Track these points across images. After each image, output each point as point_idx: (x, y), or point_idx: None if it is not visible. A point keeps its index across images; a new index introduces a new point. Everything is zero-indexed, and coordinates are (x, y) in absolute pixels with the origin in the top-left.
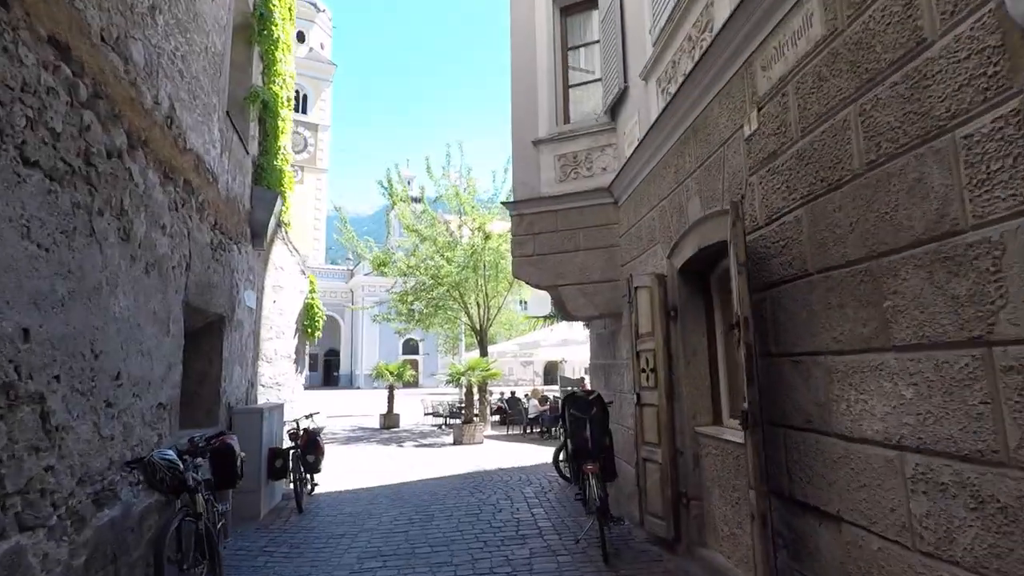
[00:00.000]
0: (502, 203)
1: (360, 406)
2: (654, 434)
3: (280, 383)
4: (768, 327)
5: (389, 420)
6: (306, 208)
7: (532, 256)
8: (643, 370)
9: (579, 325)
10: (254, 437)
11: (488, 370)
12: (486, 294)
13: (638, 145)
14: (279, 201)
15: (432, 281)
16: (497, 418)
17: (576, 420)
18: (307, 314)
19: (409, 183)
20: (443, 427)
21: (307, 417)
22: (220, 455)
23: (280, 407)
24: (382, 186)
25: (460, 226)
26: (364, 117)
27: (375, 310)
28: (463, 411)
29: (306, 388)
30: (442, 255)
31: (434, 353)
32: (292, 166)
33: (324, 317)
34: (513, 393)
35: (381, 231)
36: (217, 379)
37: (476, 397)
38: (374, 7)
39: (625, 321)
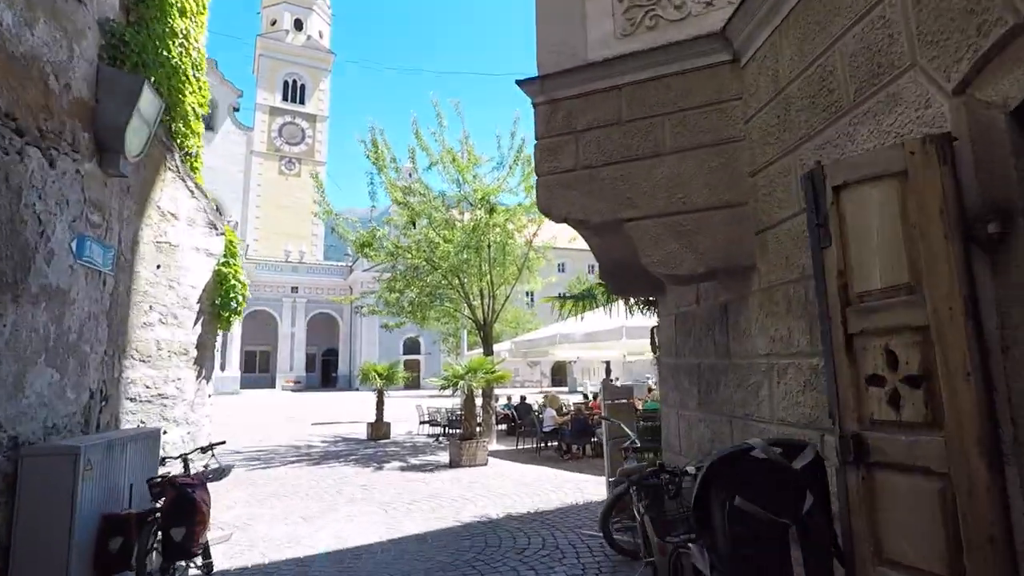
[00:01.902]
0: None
1: (353, 411)
2: (923, 548)
3: (167, 395)
4: None
5: (377, 430)
6: (304, 202)
7: (574, 171)
8: (873, 378)
9: (620, 309)
10: (59, 499)
11: (493, 372)
12: (491, 281)
13: None
14: (148, 94)
15: (426, 265)
16: (503, 427)
17: (758, 530)
18: (219, 289)
19: (410, 176)
20: (440, 439)
21: (204, 451)
22: None
23: (151, 437)
24: (364, 146)
25: (459, 202)
26: (374, 111)
27: (360, 301)
28: (464, 421)
29: (301, 390)
30: (438, 233)
31: (436, 353)
32: (288, 159)
33: (247, 294)
34: (523, 399)
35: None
36: None
37: (479, 403)
38: None
39: (782, 275)
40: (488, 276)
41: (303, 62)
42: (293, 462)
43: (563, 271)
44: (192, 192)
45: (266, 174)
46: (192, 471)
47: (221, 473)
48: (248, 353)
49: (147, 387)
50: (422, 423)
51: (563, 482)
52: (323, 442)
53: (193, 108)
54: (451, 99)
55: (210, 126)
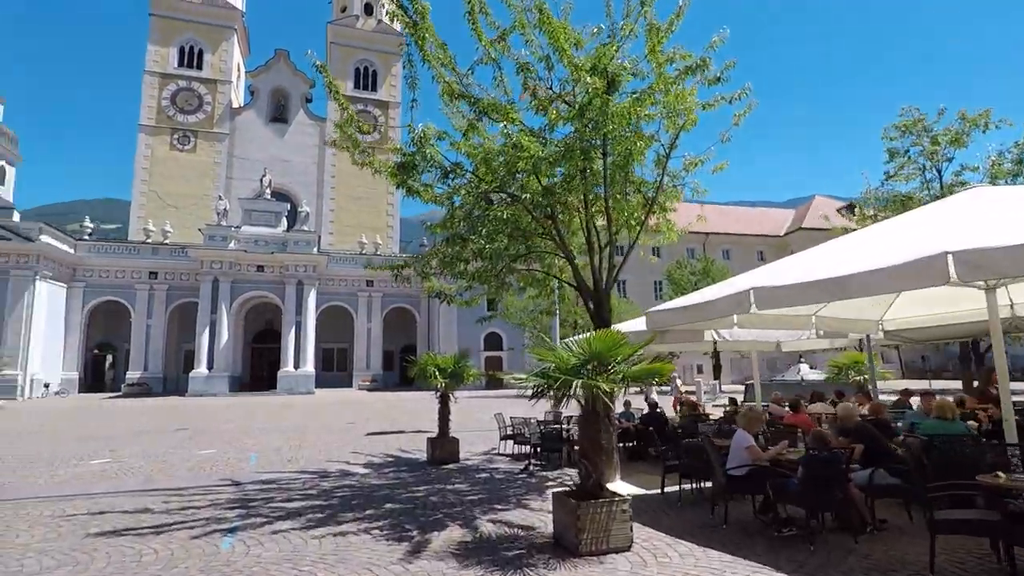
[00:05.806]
0: None
1: (423, 416)
2: None
3: None
4: None
5: (441, 450)
6: (378, 192)
7: None
8: None
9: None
10: None
11: (636, 361)
12: (606, 215)
13: None
14: None
15: (501, 194)
16: (621, 446)
17: None
18: None
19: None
20: (531, 468)
21: None
22: None
23: None
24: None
25: (551, 101)
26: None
27: (409, 268)
28: (584, 461)
29: (377, 389)
30: (516, 127)
31: (519, 348)
32: (361, 148)
33: None
34: (655, 404)
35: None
36: None
37: (601, 413)
38: None
39: None
40: (602, 205)
41: (372, 47)
42: (287, 516)
43: (658, 255)
44: None
45: (340, 164)
46: None
47: None
48: (325, 351)
49: None
50: (503, 439)
51: None
52: (365, 467)
53: None
54: None
55: (283, 118)
